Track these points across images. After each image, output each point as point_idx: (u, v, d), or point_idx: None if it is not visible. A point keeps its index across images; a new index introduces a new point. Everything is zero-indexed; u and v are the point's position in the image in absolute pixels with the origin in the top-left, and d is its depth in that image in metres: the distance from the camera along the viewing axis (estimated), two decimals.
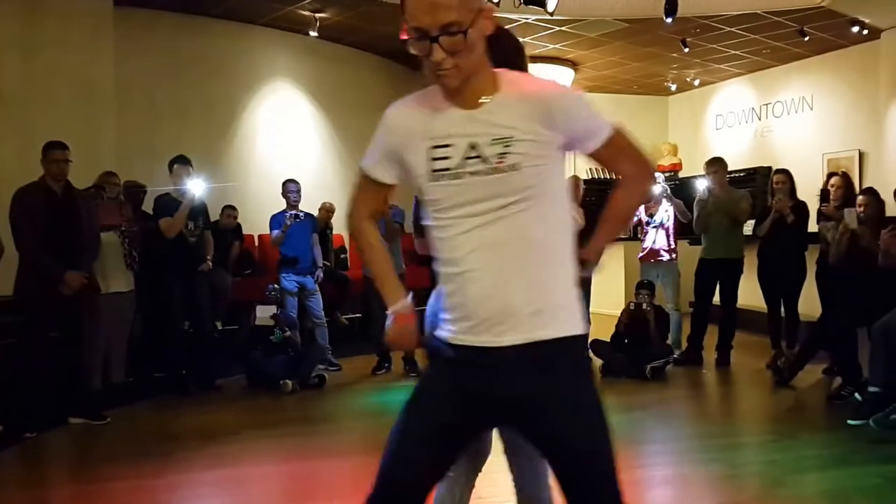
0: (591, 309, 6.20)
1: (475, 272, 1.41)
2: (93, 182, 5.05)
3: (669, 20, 6.44)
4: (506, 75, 1.45)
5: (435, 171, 1.43)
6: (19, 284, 4.30)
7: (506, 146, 1.40)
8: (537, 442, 1.47)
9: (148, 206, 5.53)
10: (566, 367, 1.41)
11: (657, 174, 1.38)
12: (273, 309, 5.56)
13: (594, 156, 1.50)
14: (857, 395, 4.33)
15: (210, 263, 5.46)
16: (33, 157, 4.46)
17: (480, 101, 1.42)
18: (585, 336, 1.45)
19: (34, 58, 6.23)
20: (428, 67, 1.38)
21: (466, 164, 1.41)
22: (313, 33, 7.50)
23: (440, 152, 1.43)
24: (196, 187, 5.09)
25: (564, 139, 1.43)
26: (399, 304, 1.55)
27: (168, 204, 5.12)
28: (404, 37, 1.36)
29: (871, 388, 4.04)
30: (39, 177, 4.31)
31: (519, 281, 1.40)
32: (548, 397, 1.39)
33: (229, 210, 6.71)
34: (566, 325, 1.42)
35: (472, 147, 1.41)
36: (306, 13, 7.30)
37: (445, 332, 1.47)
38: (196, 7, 7.17)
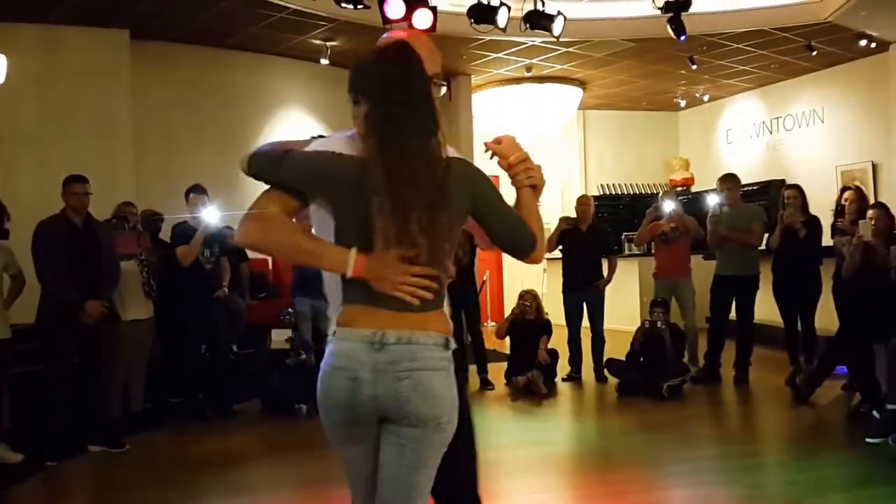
0: (605, 326, 6.22)
1: None
2: (112, 212, 5.15)
3: (683, 38, 6.39)
4: None
5: None
6: (40, 314, 4.39)
7: None
8: None
9: (166, 234, 5.62)
10: None
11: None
12: (288, 333, 5.59)
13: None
14: (875, 412, 4.28)
15: (226, 289, 5.52)
16: (53, 190, 4.56)
17: None
18: None
19: (52, 92, 6.38)
20: None
21: None
22: (324, 61, 7.63)
23: None
24: (211, 216, 5.16)
25: None
26: (352, 251, 1.53)
27: (185, 232, 5.20)
28: None
29: (890, 406, 3.99)
30: (60, 209, 4.41)
31: None
32: None
33: None
34: None
35: None
36: (317, 42, 7.44)
37: None
38: (210, 39, 7.33)
